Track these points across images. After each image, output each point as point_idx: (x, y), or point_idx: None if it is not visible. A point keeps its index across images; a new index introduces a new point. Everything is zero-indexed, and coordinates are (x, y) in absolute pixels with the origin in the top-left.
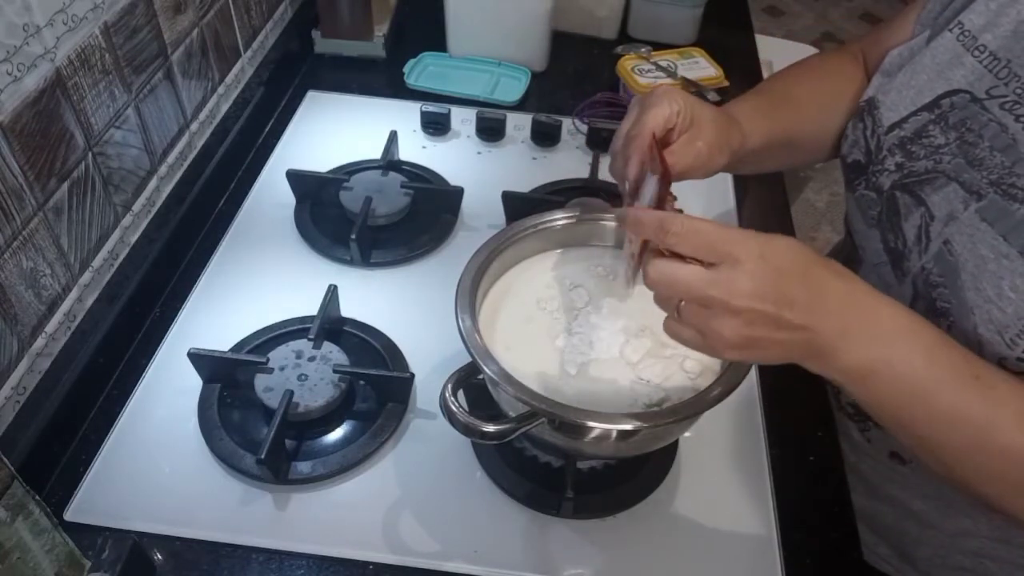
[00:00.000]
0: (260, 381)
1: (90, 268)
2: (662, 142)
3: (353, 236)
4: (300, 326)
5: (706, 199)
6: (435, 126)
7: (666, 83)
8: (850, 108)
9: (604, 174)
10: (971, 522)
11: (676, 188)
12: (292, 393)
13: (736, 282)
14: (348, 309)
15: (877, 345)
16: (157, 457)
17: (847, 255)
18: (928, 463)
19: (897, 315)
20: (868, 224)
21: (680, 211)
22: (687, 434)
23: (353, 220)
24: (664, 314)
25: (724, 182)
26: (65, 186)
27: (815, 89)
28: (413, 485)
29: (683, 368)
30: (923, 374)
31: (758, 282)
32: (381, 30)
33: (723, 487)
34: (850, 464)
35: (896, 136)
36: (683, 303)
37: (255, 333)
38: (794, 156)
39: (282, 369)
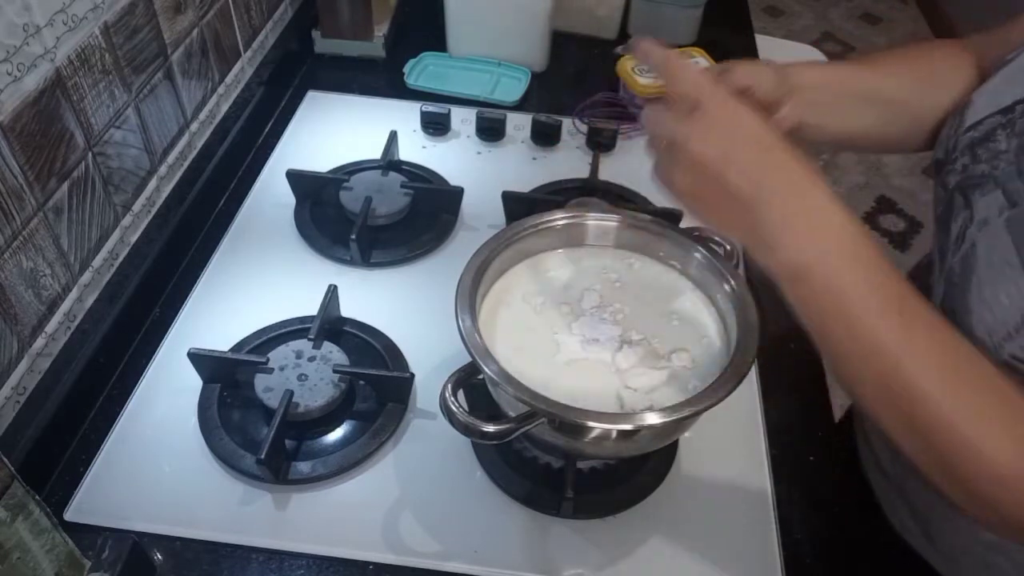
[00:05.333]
0: (260, 381)
1: (90, 268)
2: None
3: (353, 236)
4: (300, 326)
5: None
6: (435, 126)
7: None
8: (947, 90)
9: (604, 174)
10: None
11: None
12: (292, 393)
13: (695, 127)
14: (348, 309)
15: (814, 248)
16: (157, 457)
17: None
18: (846, 391)
19: (845, 229)
20: (935, 220)
21: None
22: (687, 434)
23: (353, 220)
24: (659, 327)
25: None
26: (65, 186)
27: (907, 55)
28: (413, 485)
29: (676, 376)
30: (851, 293)
31: (712, 133)
32: (381, 30)
33: (723, 487)
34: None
35: (969, 137)
36: (664, 145)
37: (255, 333)
38: (882, 115)
39: (282, 369)
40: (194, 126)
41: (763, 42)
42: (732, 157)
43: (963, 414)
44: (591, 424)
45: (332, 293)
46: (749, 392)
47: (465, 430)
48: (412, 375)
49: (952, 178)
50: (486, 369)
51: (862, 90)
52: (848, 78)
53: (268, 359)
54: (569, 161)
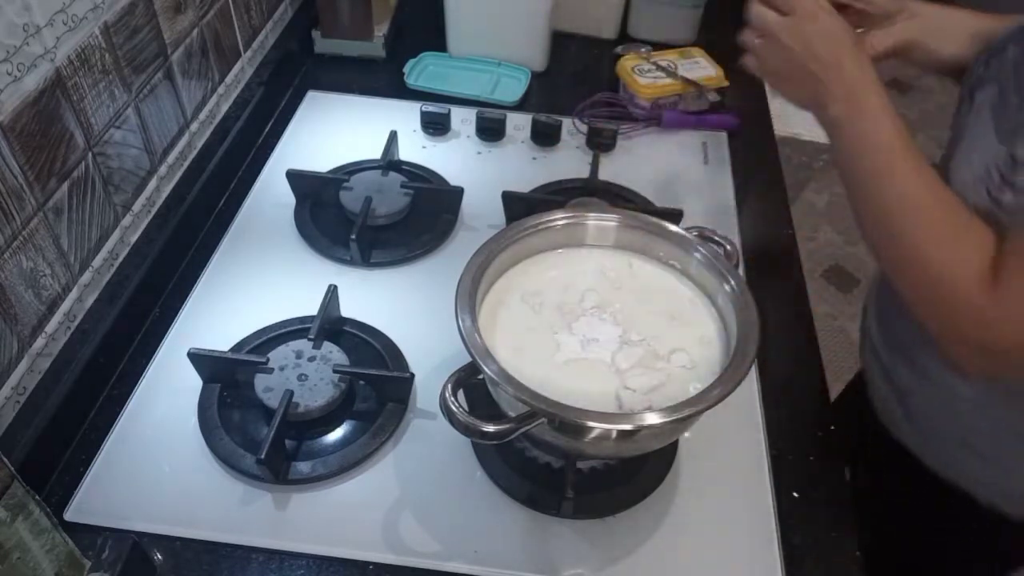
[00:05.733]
0: (260, 381)
1: (90, 268)
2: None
3: (353, 236)
4: (300, 326)
5: (707, 199)
6: (435, 126)
7: (666, 83)
8: None
9: (604, 174)
10: (960, 380)
11: (677, 195)
12: (292, 393)
13: (789, 25)
14: (348, 309)
15: (850, 109)
16: (157, 457)
17: None
18: (861, 230)
19: (874, 102)
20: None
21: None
22: (687, 434)
23: (353, 220)
24: (659, 327)
25: (725, 183)
26: (65, 186)
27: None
28: (413, 485)
29: (675, 376)
30: (866, 139)
31: (800, 31)
32: (381, 30)
33: (723, 487)
34: (898, 330)
35: (988, 52)
36: (758, 40)
37: (255, 333)
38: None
39: (282, 369)
40: (194, 126)
41: None
42: (811, 49)
43: (937, 253)
44: (591, 424)
45: (332, 293)
46: (749, 392)
47: (465, 430)
48: (412, 375)
49: (967, 86)
50: (486, 369)
51: (978, 29)
52: (968, 17)
53: (268, 359)
54: (569, 161)
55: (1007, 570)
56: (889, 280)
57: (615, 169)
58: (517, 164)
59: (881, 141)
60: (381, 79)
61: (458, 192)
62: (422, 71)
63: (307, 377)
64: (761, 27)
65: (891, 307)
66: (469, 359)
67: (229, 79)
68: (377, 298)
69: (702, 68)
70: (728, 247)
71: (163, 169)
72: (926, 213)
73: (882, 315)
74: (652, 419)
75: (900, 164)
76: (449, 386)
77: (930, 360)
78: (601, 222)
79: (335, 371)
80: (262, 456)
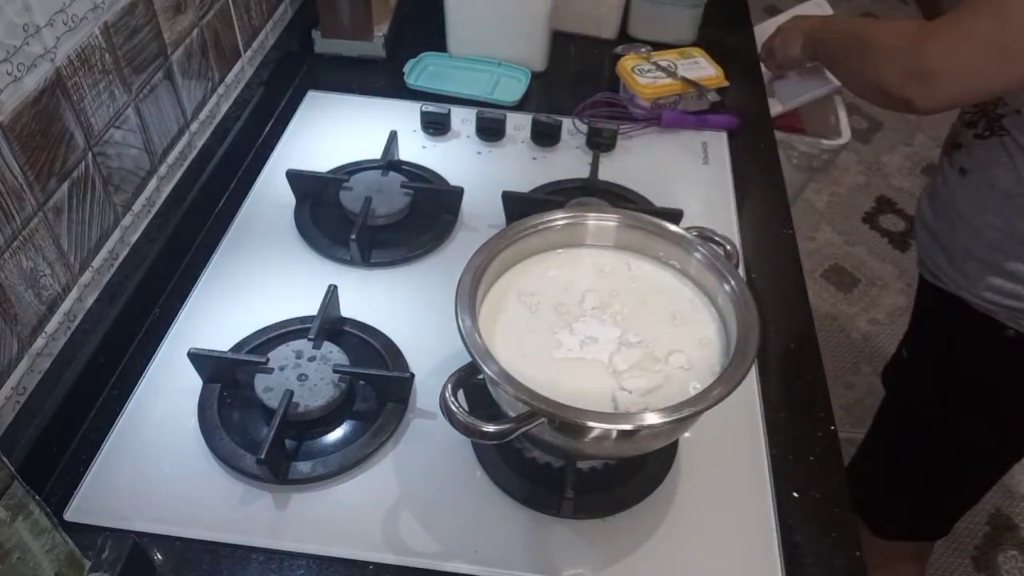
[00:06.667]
0: (260, 381)
1: (90, 268)
2: None
3: (353, 236)
4: (300, 326)
5: (706, 199)
6: (435, 126)
7: (666, 83)
8: None
9: (604, 174)
10: (994, 218)
11: (677, 195)
12: (292, 393)
13: (784, 25)
14: (348, 309)
15: (820, 31)
16: (157, 457)
17: None
18: (838, 72)
19: (833, 25)
20: None
21: None
22: (687, 434)
23: (353, 220)
24: (658, 328)
25: (725, 183)
26: (65, 186)
27: None
28: (413, 485)
29: (674, 378)
30: (827, 28)
31: (785, 30)
32: (381, 30)
33: (723, 487)
34: (943, 196)
35: None
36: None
37: (255, 333)
38: None
39: (282, 369)
40: (194, 126)
41: (763, 37)
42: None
43: (879, 35)
44: (591, 424)
45: (332, 293)
46: (749, 392)
47: (465, 430)
48: (412, 375)
49: None
50: (486, 369)
51: None
52: None
53: (268, 359)
54: (569, 161)
55: None
56: (938, 167)
57: (615, 169)
58: (517, 164)
59: (839, 32)
60: (381, 79)
61: (458, 192)
62: (422, 71)
63: (307, 377)
64: (768, 42)
65: (939, 187)
66: (469, 359)
67: (229, 79)
68: (377, 298)
69: (702, 68)
70: (728, 247)
71: (163, 169)
72: (870, 30)
73: (932, 197)
74: (652, 419)
75: (850, 27)
76: (449, 386)
77: (962, 204)
78: (601, 222)
79: (335, 371)
80: (262, 456)
